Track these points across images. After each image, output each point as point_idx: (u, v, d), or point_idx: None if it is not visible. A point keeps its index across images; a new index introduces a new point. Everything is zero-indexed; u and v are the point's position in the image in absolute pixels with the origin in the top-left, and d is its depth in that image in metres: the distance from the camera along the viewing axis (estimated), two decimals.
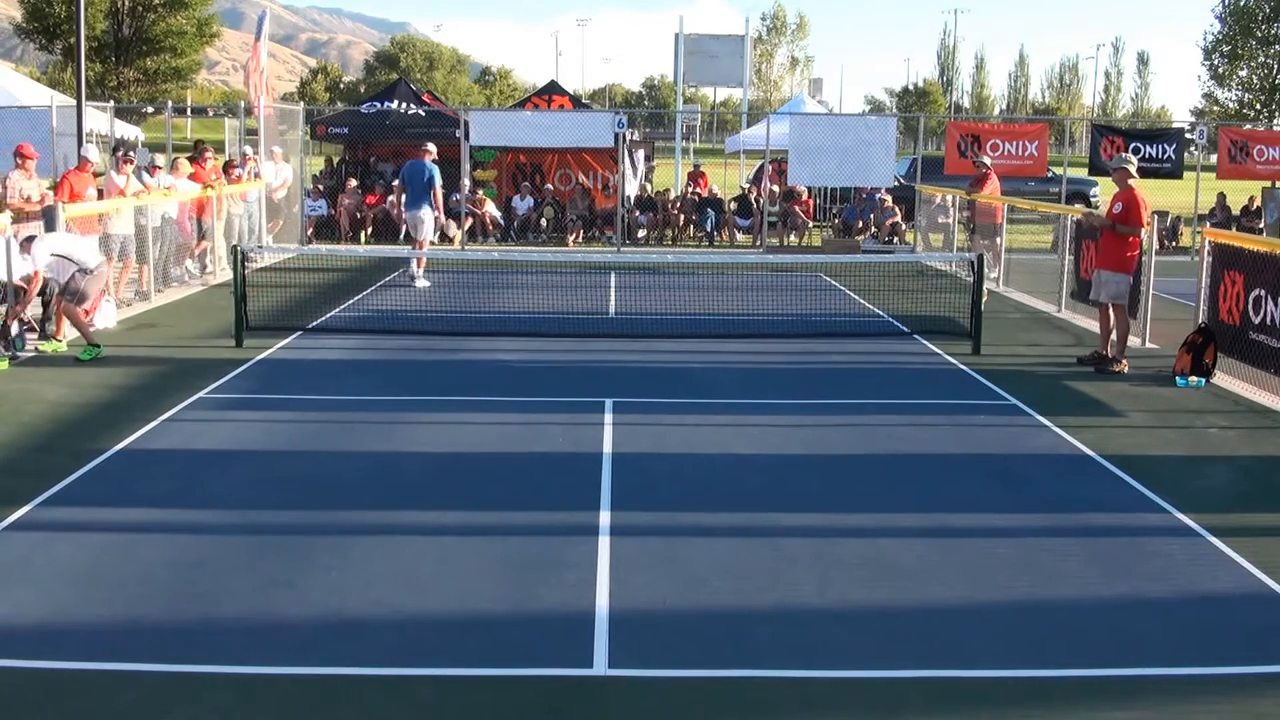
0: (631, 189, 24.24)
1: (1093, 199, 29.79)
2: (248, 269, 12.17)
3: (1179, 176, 23.49)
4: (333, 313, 13.47)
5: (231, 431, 8.34)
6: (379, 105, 24.95)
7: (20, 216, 12.15)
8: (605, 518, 6.45)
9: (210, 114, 51.20)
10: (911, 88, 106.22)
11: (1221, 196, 24.50)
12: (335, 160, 27.92)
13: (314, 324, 12.64)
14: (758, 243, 23.02)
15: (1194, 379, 10.29)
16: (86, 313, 11.03)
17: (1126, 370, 10.80)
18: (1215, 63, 52.27)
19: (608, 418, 8.71)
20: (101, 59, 49.42)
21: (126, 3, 51.00)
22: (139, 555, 5.82)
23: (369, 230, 22.51)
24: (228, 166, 17.78)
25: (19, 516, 6.32)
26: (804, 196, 24.26)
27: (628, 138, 23.29)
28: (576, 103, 28.71)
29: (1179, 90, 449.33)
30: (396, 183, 17.73)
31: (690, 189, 25.53)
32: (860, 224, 23.85)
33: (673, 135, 43.46)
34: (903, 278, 17.33)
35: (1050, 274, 15.48)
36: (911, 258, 19.45)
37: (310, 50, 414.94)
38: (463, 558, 5.86)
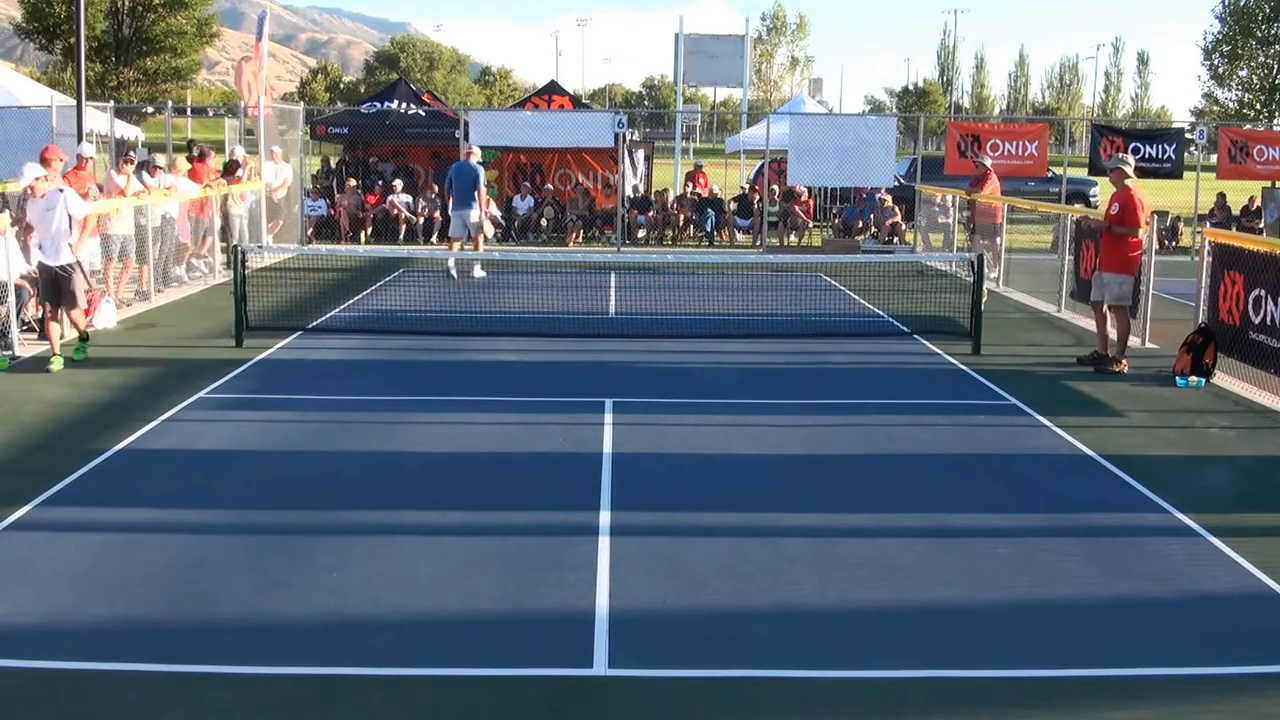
0: (633, 185, 24.23)
1: (1092, 199, 29.79)
2: (247, 269, 12.15)
3: (1179, 176, 23.49)
4: (333, 313, 13.48)
5: (231, 431, 8.35)
6: (379, 105, 24.95)
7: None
8: (605, 518, 6.45)
9: (210, 114, 51.11)
10: (911, 88, 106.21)
11: (1221, 196, 24.48)
12: (334, 161, 27.90)
13: (314, 324, 12.64)
14: (758, 243, 23.02)
15: (1194, 379, 10.28)
16: (86, 312, 11.03)
17: (1126, 370, 10.80)
18: (1215, 63, 52.29)
19: (608, 418, 8.71)
20: (101, 59, 49.36)
21: (126, 3, 50.93)
22: (139, 555, 5.83)
23: (369, 230, 22.52)
24: (230, 167, 17.77)
25: (19, 516, 6.33)
26: (804, 196, 24.25)
27: (628, 138, 23.30)
28: (576, 103, 28.69)
29: (1179, 90, 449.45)
30: (441, 186, 18.79)
31: (690, 189, 25.51)
32: (860, 224, 23.83)
33: (673, 135, 43.42)
34: (903, 278, 17.31)
35: (1050, 274, 15.48)
36: (911, 258, 19.44)
37: (310, 50, 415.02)
38: (463, 558, 5.86)
